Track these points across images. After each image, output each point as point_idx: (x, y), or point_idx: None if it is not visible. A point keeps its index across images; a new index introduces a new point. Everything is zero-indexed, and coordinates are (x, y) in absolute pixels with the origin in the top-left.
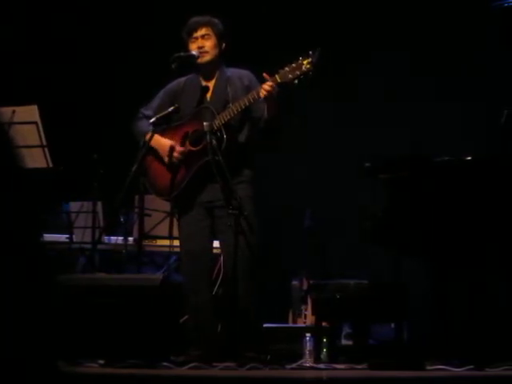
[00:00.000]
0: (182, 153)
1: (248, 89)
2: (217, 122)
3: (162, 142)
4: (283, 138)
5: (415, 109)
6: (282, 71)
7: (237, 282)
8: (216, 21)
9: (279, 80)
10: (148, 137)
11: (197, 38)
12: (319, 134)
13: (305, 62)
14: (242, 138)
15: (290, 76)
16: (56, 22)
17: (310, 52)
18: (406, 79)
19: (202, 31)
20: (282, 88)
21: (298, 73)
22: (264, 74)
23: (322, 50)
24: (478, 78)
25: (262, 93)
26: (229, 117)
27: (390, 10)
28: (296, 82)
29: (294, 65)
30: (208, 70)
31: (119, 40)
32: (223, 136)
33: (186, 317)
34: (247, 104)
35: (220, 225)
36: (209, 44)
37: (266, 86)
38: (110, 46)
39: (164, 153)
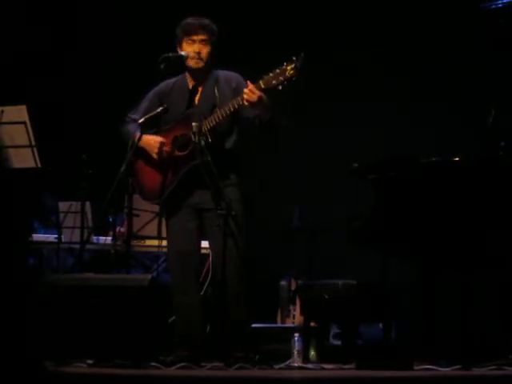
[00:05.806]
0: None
1: (235, 91)
2: (203, 128)
3: (150, 139)
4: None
5: (414, 109)
6: (265, 77)
7: (225, 282)
8: (215, 27)
9: (263, 86)
10: (136, 137)
11: (194, 41)
12: (308, 133)
13: (288, 68)
14: (228, 144)
15: (274, 82)
16: (44, 23)
17: (294, 57)
18: (404, 79)
19: (201, 36)
20: (271, 93)
21: (281, 78)
22: (248, 82)
23: (305, 54)
24: (479, 78)
25: (244, 99)
26: (214, 122)
27: (386, 10)
28: (280, 87)
29: (277, 70)
30: (199, 74)
31: (107, 41)
32: (209, 141)
33: (174, 317)
34: (232, 110)
35: (208, 226)
36: (205, 51)
37: (246, 93)
38: (98, 47)
39: (153, 149)
